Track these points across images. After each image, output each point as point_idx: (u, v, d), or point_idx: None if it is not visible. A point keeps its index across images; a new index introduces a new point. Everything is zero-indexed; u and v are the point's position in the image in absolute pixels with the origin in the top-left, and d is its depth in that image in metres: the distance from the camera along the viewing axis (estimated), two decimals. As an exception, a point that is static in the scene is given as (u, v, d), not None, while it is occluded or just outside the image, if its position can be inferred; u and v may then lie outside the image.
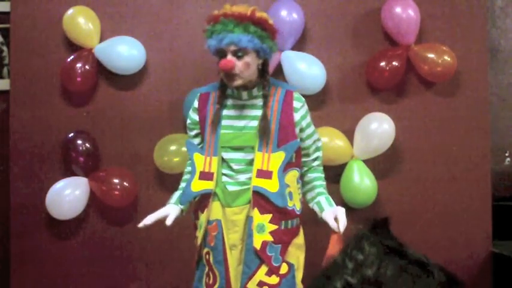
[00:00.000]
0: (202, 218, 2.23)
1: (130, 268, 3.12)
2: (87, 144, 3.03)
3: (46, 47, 3.11)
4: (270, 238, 2.16)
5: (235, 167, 2.19)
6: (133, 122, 3.11)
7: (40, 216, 3.09)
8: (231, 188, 2.20)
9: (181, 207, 2.28)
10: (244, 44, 2.07)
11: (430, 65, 3.00)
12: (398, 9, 2.98)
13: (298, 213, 2.25)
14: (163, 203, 3.07)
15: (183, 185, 2.34)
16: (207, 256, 2.24)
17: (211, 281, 2.23)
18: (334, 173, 3.05)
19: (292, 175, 2.21)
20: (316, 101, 3.08)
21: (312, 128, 2.27)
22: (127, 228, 3.12)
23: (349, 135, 3.01)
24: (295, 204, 2.24)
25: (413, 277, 0.83)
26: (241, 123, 2.21)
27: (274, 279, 2.17)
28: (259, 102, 2.22)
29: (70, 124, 3.09)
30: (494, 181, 3.22)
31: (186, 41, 3.12)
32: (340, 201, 3.07)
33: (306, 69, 2.97)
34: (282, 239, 2.19)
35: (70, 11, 3.01)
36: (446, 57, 2.99)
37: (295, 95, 2.23)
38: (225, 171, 2.21)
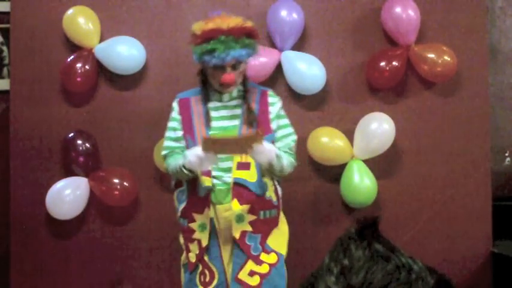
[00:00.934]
0: (203, 218, 2.29)
1: (130, 268, 3.12)
2: (87, 144, 3.03)
3: (46, 47, 3.11)
4: (249, 228, 2.28)
5: (222, 165, 2.29)
6: (133, 122, 3.11)
7: (40, 216, 3.09)
8: (220, 187, 2.30)
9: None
10: (244, 58, 2.25)
11: (430, 65, 3.00)
12: (398, 9, 2.98)
13: (275, 204, 2.36)
14: (163, 203, 3.09)
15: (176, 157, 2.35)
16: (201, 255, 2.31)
17: (207, 279, 2.28)
18: (334, 173, 3.06)
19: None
20: (316, 101, 3.08)
21: (286, 120, 2.41)
22: (127, 228, 3.12)
23: (349, 135, 3.01)
24: (271, 195, 2.35)
25: (402, 285, 0.82)
26: (224, 123, 2.34)
27: (264, 268, 2.27)
28: (239, 102, 2.37)
29: (70, 124, 3.09)
30: (494, 181, 3.22)
31: (186, 41, 3.10)
32: (340, 201, 3.08)
33: (306, 69, 2.97)
34: (261, 228, 2.30)
35: (70, 11, 3.00)
36: (446, 57, 2.99)
37: (270, 92, 2.44)
38: (213, 172, 2.30)
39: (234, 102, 2.37)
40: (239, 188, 2.27)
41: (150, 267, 3.12)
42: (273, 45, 3.04)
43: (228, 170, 2.29)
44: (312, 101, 3.07)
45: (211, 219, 2.30)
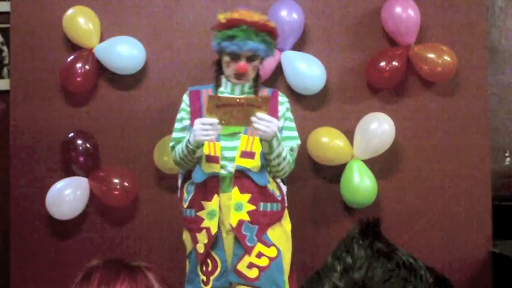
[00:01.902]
0: (212, 205, 2.29)
1: (130, 268, 3.12)
2: (87, 144, 3.03)
3: (46, 47, 3.11)
4: (246, 217, 2.28)
5: (228, 154, 2.31)
6: (133, 122, 3.11)
7: (40, 216, 3.09)
8: (224, 175, 2.32)
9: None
10: (261, 53, 2.34)
11: (430, 65, 3.00)
12: (398, 9, 2.98)
13: (278, 198, 2.37)
14: (163, 203, 3.10)
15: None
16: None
17: (210, 268, 2.29)
18: (334, 173, 3.06)
19: None
20: (316, 101, 3.08)
21: (292, 124, 2.45)
22: (127, 228, 3.12)
23: (349, 135, 3.01)
24: (273, 189, 2.37)
25: (402, 281, 0.83)
26: None
27: (264, 261, 2.27)
28: (250, 96, 2.39)
29: (70, 124, 3.09)
30: (494, 181, 3.22)
31: (186, 41, 3.12)
32: (340, 201, 3.08)
33: (306, 69, 2.97)
34: (259, 220, 2.30)
35: (70, 11, 3.00)
36: (446, 57, 2.99)
37: (280, 93, 2.52)
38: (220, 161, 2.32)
39: (245, 96, 2.40)
40: (240, 177, 2.30)
41: (150, 267, 3.12)
42: (273, 45, 3.04)
43: (232, 159, 2.32)
44: (312, 101, 3.07)
45: (219, 207, 2.31)
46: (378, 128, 2.96)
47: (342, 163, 3.01)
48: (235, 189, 2.28)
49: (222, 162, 2.31)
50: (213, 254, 2.29)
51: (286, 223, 2.43)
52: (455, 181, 3.14)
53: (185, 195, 2.42)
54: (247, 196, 2.29)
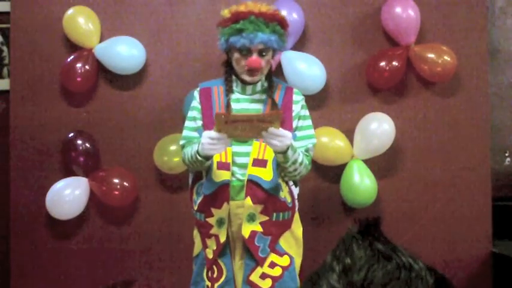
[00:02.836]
0: (222, 213, 2.21)
1: (130, 268, 3.12)
2: (87, 144, 3.03)
3: (46, 47, 3.11)
4: (259, 229, 2.19)
5: (239, 160, 2.22)
6: (133, 122, 3.11)
7: (40, 216, 3.09)
8: (234, 183, 2.22)
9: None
10: (273, 45, 2.16)
11: (430, 65, 3.00)
12: (398, 9, 2.98)
13: (289, 206, 2.28)
14: (163, 203, 3.10)
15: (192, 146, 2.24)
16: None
17: (215, 275, 2.23)
18: (334, 173, 3.06)
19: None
20: (316, 101, 3.07)
21: (308, 122, 2.33)
22: (127, 228, 3.12)
23: (349, 135, 3.01)
24: (285, 197, 2.27)
25: (402, 284, 0.82)
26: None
27: (277, 271, 2.20)
28: (262, 96, 2.29)
29: (70, 124, 3.09)
30: (494, 181, 3.22)
31: (186, 41, 3.12)
32: (340, 201, 3.08)
33: (306, 69, 2.96)
34: (272, 231, 2.22)
35: (70, 11, 3.01)
36: (446, 57, 2.99)
37: (295, 90, 2.35)
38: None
39: (256, 96, 2.29)
40: (253, 186, 2.18)
41: (150, 267, 3.12)
42: (273, 45, 3.04)
43: (243, 166, 2.21)
44: (312, 101, 3.07)
45: (228, 215, 2.22)
46: (378, 128, 2.96)
47: (342, 163, 3.01)
48: (248, 199, 2.18)
49: (233, 169, 2.21)
50: (220, 261, 2.23)
51: (297, 227, 2.33)
52: (455, 181, 3.14)
53: (195, 196, 2.32)
54: (260, 207, 2.19)
